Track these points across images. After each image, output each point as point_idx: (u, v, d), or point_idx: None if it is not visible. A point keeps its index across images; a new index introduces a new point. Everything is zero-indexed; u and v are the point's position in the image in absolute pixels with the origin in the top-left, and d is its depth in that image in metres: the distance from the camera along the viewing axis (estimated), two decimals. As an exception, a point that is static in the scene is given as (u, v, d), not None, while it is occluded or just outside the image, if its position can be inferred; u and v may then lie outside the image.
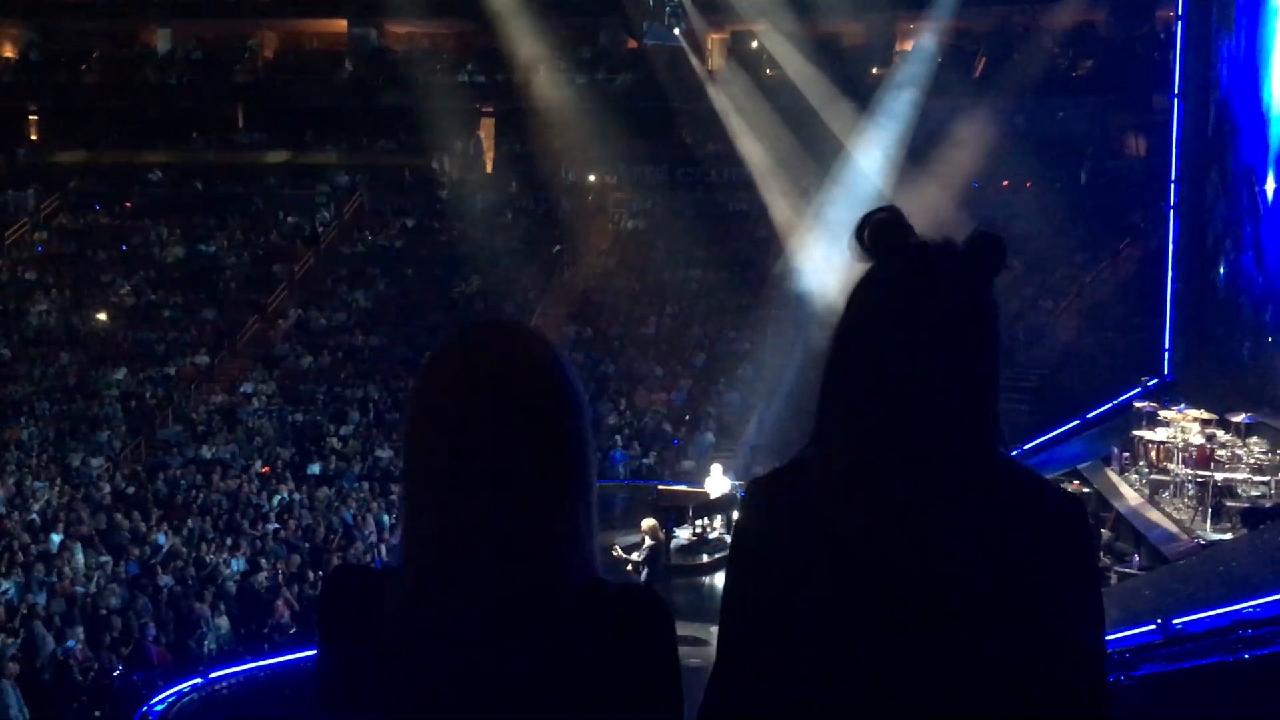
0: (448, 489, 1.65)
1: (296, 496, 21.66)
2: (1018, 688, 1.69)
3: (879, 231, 1.83)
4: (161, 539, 18.90)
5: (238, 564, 17.70)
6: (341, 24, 37.39)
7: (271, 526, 19.74)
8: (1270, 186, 19.73)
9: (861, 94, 30.20)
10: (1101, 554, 14.82)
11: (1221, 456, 15.75)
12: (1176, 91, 23.91)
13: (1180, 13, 23.92)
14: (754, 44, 33.43)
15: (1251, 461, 15.66)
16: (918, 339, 1.75)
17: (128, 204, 36.27)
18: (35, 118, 38.08)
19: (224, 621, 15.95)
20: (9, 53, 38.59)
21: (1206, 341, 22.60)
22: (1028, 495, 1.78)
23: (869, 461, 1.75)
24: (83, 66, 37.44)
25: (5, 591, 15.94)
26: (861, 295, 1.83)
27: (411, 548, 1.69)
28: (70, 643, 14.44)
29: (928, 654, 1.69)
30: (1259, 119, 20.32)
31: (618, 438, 25.12)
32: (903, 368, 1.75)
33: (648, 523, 15.35)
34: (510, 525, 1.63)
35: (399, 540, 1.76)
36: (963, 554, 1.70)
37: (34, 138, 38.15)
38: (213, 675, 13.80)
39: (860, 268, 1.86)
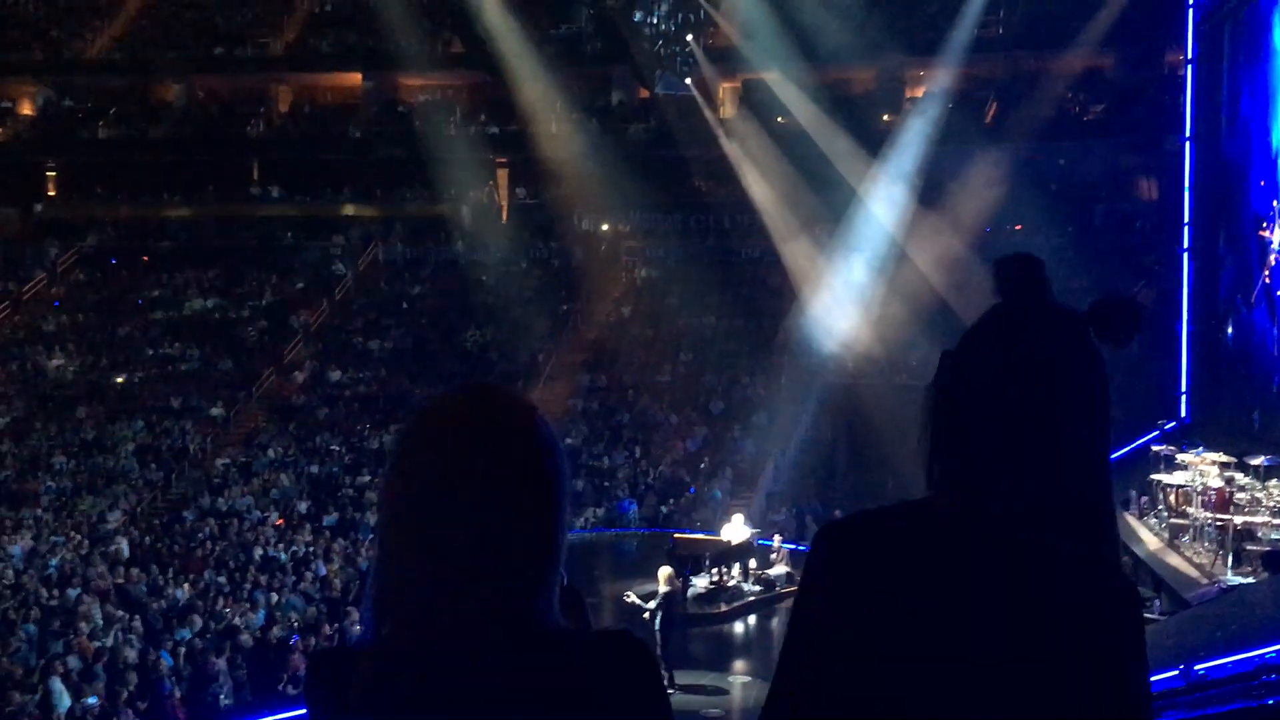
0: (418, 551, 1.63)
1: (312, 548, 21.60)
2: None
3: (1011, 273, 1.79)
4: (179, 593, 18.86)
5: (259, 618, 17.61)
6: (356, 77, 37.76)
7: (288, 579, 19.67)
8: None
9: (873, 140, 30.35)
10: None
11: (1241, 500, 15.60)
12: (1187, 134, 23.98)
13: (1189, 57, 24.02)
14: (765, 92, 33.61)
15: (1271, 504, 15.50)
16: (1048, 391, 1.71)
17: (145, 257, 36.56)
18: (53, 173, 38.43)
19: (240, 675, 15.86)
20: (27, 109, 39.02)
21: (1218, 403, 22.45)
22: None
23: (988, 510, 1.71)
24: (99, 122, 37.85)
25: (18, 650, 15.90)
26: (987, 347, 1.77)
27: (378, 615, 1.67)
28: (92, 698, 14.36)
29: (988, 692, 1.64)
30: (1269, 163, 20.26)
31: (628, 485, 25.07)
32: (1030, 421, 1.71)
33: (664, 571, 15.16)
34: (479, 588, 1.61)
35: (364, 610, 1.73)
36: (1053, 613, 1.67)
37: (52, 193, 38.50)
38: (229, 729, 13.77)
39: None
